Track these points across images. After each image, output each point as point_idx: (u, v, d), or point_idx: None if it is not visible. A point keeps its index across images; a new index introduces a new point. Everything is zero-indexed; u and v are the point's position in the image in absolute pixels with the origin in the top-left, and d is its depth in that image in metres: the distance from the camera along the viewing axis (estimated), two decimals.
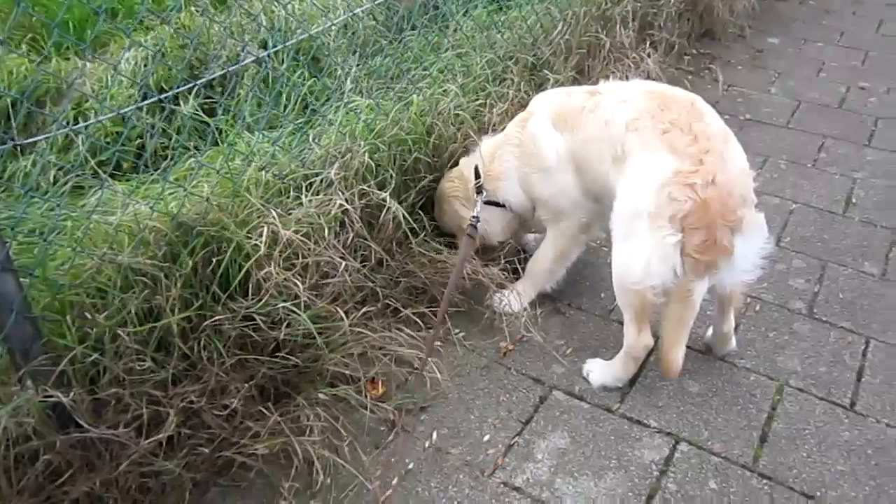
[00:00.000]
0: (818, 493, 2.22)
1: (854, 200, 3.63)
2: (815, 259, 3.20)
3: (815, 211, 3.55)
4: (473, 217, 2.80)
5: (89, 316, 1.94)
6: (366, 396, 2.43)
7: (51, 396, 1.86)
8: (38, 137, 2.67)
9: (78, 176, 2.51)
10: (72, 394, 1.88)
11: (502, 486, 2.25)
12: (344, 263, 2.45)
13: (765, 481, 2.26)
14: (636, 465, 2.31)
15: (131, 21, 3.98)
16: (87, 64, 3.47)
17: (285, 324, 2.30)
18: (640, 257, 2.30)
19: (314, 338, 2.32)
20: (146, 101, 2.56)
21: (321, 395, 2.34)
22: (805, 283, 3.07)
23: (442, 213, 3.05)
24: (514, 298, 2.89)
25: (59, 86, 3.35)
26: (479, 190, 2.83)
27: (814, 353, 2.72)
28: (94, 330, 1.95)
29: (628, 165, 2.38)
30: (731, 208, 2.21)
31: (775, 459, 2.33)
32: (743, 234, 2.25)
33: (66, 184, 2.53)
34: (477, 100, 3.27)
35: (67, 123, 2.86)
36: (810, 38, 5.56)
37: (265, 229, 2.28)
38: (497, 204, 2.87)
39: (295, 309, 2.28)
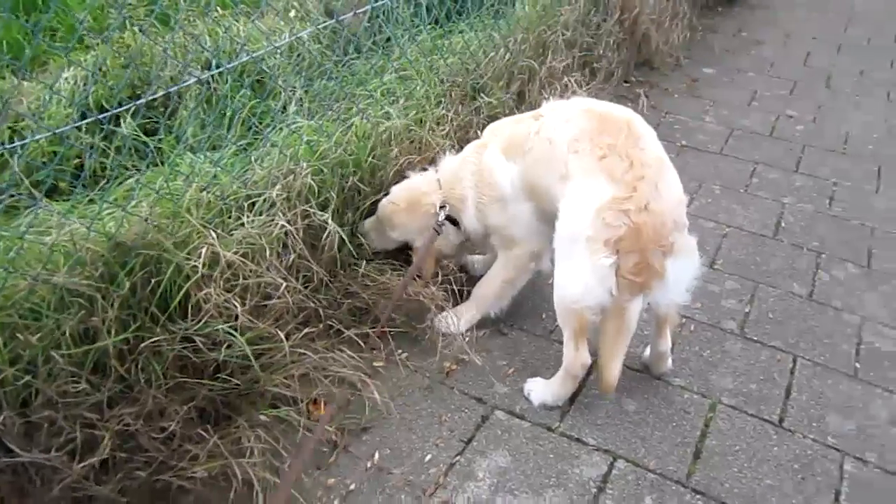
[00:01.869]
0: None
1: (783, 224, 3.78)
2: (747, 280, 3.32)
3: (747, 234, 3.68)
4: (439, 223, 2.87)
5: (21, 337, 1.89)
6: (308, 418, 2.43)
7: None
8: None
9: (11, 196, 2.47)
10: (2, 417, 1.82)
11: None
12: (285, 284, 2.44)
13: (698, 496, 2.32)
14: (575, 483, 2.35)
15: (68, 41, 3.93)
16: (24, 83, 3.41)
17: (225, 345, 2.29)
18: (578, 278, 2.37)
19: (254, 359, 2.31)
20: (85, 121, 2.54)
21: (262, 417, 2.33)
22: (737, 303, 3.18)
23: (398, 228, 2.99)
24: (457, 320, 2.91)
25: None
26: (442, 205, 2.89)
27: (745, 372, 2.81)
28: (27, 351, 1.90)
29: (569, 187, 2.45)
30: (663, 234, 2.30)
31: (708, 475, 2.39)
32: (675, 258, 2.34)
33: None
34: (418, 122, 3.31)
35: (2, 143, 2.79)
36: (742, 69, 5.78)
37: (205, 250, 2.27)
38: (454, 222, 2.93)
39: (232, 332, 2.26)
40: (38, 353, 1.93)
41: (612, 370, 2.44)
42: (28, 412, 1.93)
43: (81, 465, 1.96)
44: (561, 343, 2.61)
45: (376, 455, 2.42)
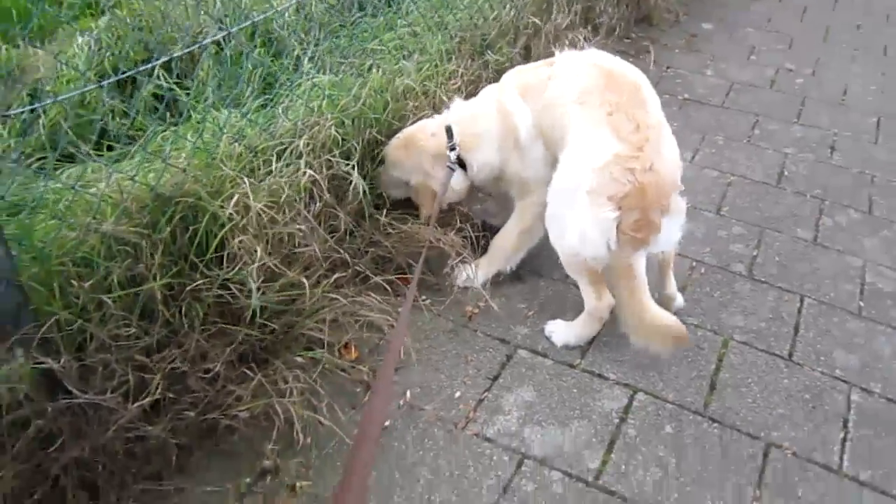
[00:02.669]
0: (762, 434, 2.41)
1: (786, 173, 3.88)
2: (753, 226, 3.43)
3: (751, 183, 3.78)
4: (451, 163, 2.86)
5: (75, 284, 1.97)
6: (341, 359, 2.53)
7: (41, 363, 1.89)
8: (16, 111, 2.66)
9: (41, 159, 2.54)
10: (61, 360, 1.91)
11: (475, 437, 2.38)
12: (314, 233, 2.53)
13: (715, 425, 2.44)
14: (598, 414, 2.47)
15: (76, 8, 3.95)
16: (39, 51, 3.45)
17: (260, 292, 2.37)
18: (577, 229, 2.48)
19: (288, 305, 2.40)
20: (109, 80, 2.58)
21: (298, 359, 2.42)
22: (744, 247, 3.29)
23: (396, 165, 2.98)
24: (475, 272, 2.96)
25: (12, 71, 3.31)
26: (452, 148, 2.87)
27: (754, 311, 2.93)
28: (80, 298, 1.98)
29: (572, 137, 2.54)
30: (663, 194, 2.41)
31: (723, 405, 2.52)
32: (669, 216, 2.46)
33: (30, 165, 2.55)
34: (430, 77, 3.37)
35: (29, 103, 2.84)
36: (740, 24, 5.84)
37: (238, 198, 2.34)
38: (462, 166, 2.92)
39: (263, 279, 2.34)
40: (90, 299, 2.01)
41: (664, 320, 2.53)
42: (83, 356, 2.01)
43: (135, 405, 2.05)
44: (578, 286, 2.71)
45: (407, 394, 2.53)
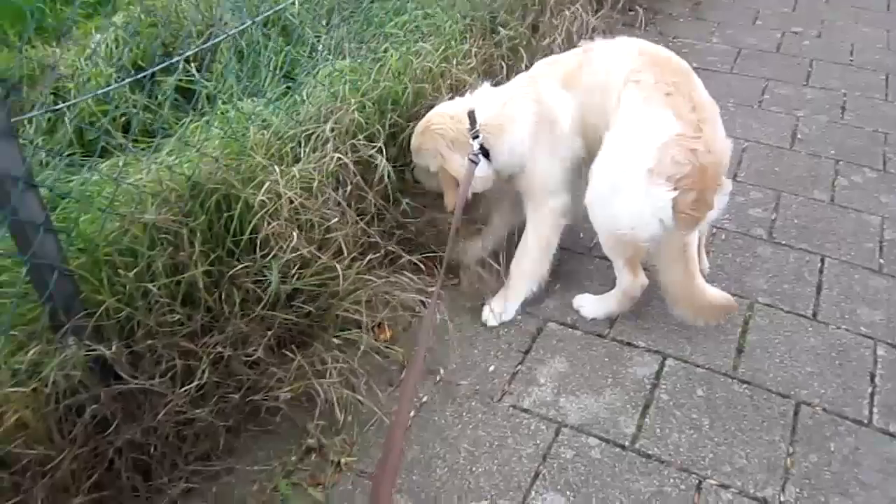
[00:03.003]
0: (792, 392, 2.46)
1: (799, 136, 3.91)
2: (770, 190, 3.47)
3: (766, 147, 3.81)
4: (474, 154, 2.68)
5: (121, 273, 2.03)
6: (375, 340, 2.58)
7: (93, 350, 1.96)
8: (60, 107, 2.71)
9: (70, 155, 2.59)
10: (112, 347, 1.97)
11: (511, 408, 2.44)
12: (345, 216, 2.58)
13: (745, 386, 2.50)
14: (630, 381, 2.53)
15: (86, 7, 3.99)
16: (57, 50, 3.49)
17: (294, 277, 2.42)
18: (633, 209, 2.46)
19: (323, 287, 2.45)
20: (130, 78, 2.63)
21: (335, 340, 2.47)
22: (763, 211, 3.33)
23: (417, 152, 2.86)
24: (504, 307, 2.79)
25: (32, 72, 3.35)
26: (475, 135, 2.72)
27: (777, 273, 2.97)
28: (126, 287, 2.04)
29: (622, 116, 2.48)
30: (719, 174, 2.44)
31: (752, 367, 2.57)
32: (719, 194, 2.48)
33: (61, 161, 2.60)
34: (445, 58, 3.40)
35: (53, 104, 2.89)
36: None
37: (268, 185, 2.39)
38: (486, 155, 2.74)
39: (300, 260, 2.40)
40: (136, 287, 2.07)
41: (719, 299, 2.59)
42: (132, 343, 2.07)
43: (183, 389, 2.11)
44: (601, 258, 2.76)
45: (442, 370, 2.59)
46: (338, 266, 2.48)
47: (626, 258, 2.62)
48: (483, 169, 2.75)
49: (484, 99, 2.82)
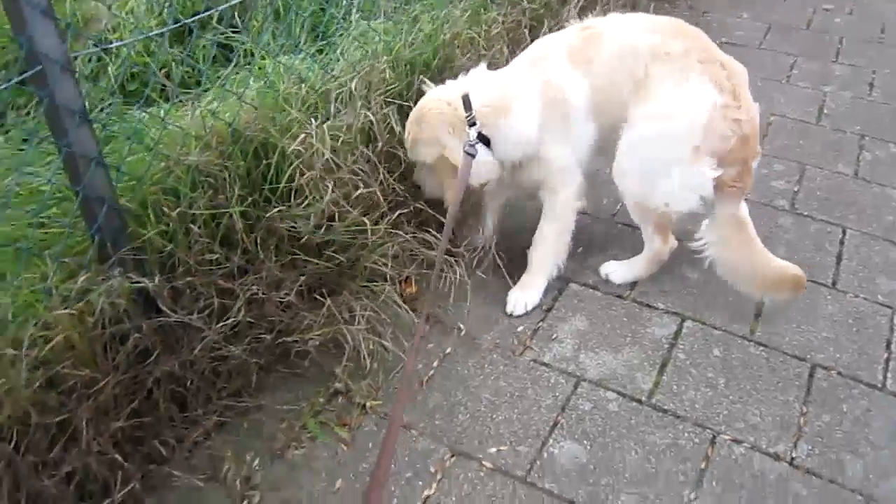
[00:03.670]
0: (808, 356, 2.52)
1: (825, 111, 3.93)
2: (794, 163, 3.50)
3: (791, 121, 3.83)
4: (470, 143, 2.48)
5: (166, 210, 2.13)
6: (400, 294, 2.65)
7: (137, 282, 2.05)
8: (112, 45, 2.79)
9: (111, 104, 2.67)
10: (155, 280, 2.07)
11: (532, 362, 2.51)
12: (376, 171, 2.65)
13: (762, 348, 2.55)
14: (649, 341, 2.59)
15: None
16: (99, 3, 3.55)
17: (323, 228, 2.50)
18: (671, 186, 2.47)
19: (352, 240, 2.53)
20: (174, 26, 2.70)
21: (363, 289, 2.55)
22: (786, 183, 3.36)
23: (413, 146, 2.67)
24: (526, 294, 2.74)
25: (77, 22, 3.42)
26: (472, 123, 2.51)
27: (798, 242, 3.02)
28: (169, 225, 2.14)
29: (654, 88, 2.43)
30: (757, 141, 2.45)
31: (769, 330, 2.62)
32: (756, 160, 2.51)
33: (102, 110, 2.68)
34: (475, 23, 3.44)
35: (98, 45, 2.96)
36: None
37: (304, 137, 2.46)
38: (486, 142, 2.56)
39: (332, 213, 2.47)
40: (178, 226, 2.16)
41: (788, 269, 2.54)
42: (173, 278, 2.17)
43: (219, 325, 2.21)
44: (625, 224, 2.81)
45: (464, 325, 2.66)
46: (366, 220, 2.55)
47: (656, 226, 2.66)
48: (485, 157, 2.56)
49: (480, 82, 2.61)
